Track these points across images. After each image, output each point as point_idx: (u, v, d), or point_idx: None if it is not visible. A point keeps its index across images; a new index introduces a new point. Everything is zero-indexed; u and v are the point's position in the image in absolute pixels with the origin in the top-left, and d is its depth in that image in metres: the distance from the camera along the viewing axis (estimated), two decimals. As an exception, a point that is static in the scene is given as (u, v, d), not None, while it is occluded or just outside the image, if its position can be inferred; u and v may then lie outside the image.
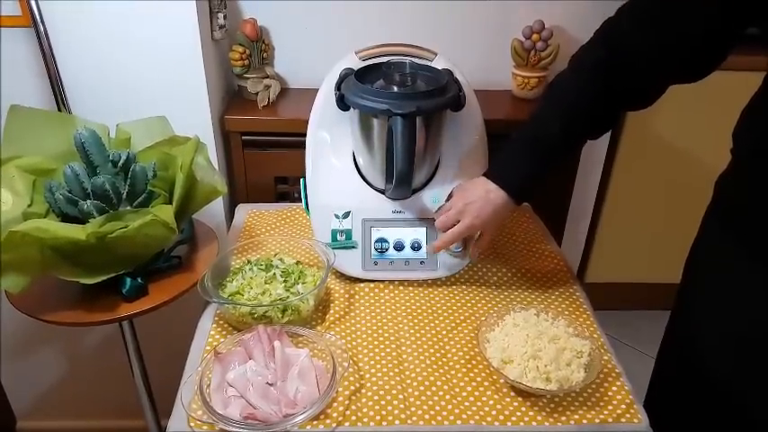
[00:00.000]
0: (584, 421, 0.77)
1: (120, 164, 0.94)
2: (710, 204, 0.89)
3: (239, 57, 1.36)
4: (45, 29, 1.11)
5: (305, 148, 1.05)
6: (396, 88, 0.95)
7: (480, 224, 0.91)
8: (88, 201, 0.90)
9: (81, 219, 0.91)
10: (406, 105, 0.88)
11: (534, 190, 0.92)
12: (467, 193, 0.92)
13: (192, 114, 1.25)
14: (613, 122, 0.90)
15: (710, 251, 0.86)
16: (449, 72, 1.00)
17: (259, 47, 1.39)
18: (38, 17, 1.09)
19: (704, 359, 0.84)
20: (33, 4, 1.08)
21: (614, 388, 0.82)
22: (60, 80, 1.16)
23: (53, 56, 1.14)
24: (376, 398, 0.80)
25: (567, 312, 0.96)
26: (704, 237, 0.89)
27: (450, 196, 0.97)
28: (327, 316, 0.95)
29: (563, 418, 0.78)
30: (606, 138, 1.69)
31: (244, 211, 1.24)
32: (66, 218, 0.93)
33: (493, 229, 0.94)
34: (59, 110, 1.17)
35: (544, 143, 0.88)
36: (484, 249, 0.98)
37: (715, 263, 0.84)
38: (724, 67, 1.73)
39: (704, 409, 0.86)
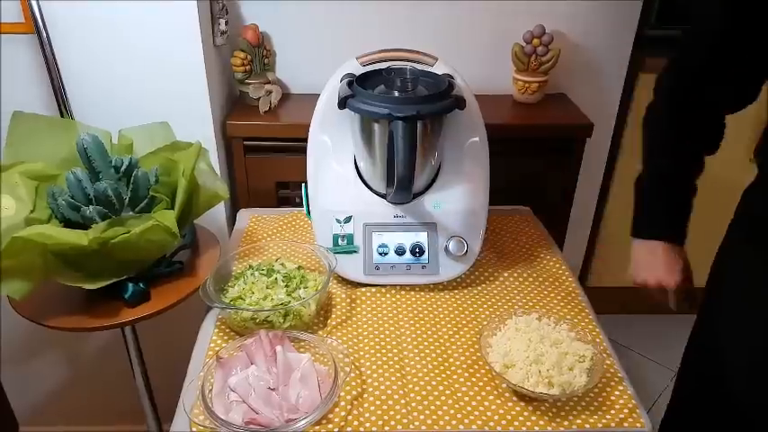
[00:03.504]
0: (587, 426, 0.77)
1: (122, 169, 0.95)
2: (735, 217, 0.89)
3: (241, 62, 1.37)
4: (48, 35, 1.11)
5: (306, 153, 1.06)
6: (396, 93, 0.96)
7: (671, 279, 0.91)
8: (91, 206, 0.91)
9: (83, 224, 0.91)
10: (406, 109, 0.88)
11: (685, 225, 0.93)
12: (643, 268, 0.94)
13: (194, 120, 1.25)
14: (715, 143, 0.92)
15: (736, 264, 0.86)
16: (449, 77, 1.00)
17: (260, 52, 1.40)
18: (40, 24, 1.10)
19: (725, 372, 0.84)
20: (36, 10, 1.08)
21: (617, 392, 0.82)
22: (63, 86, 1.16)
23: (56, 62, 1.14)
24: (378, 402, 0.80)
25: (569, 317, 0.96)
26: (729, 250, 0.89)
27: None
28: (329, 321, 0.95)
29: (565, 423, 0.78)
30: (608, 142, 1.70)
31: (245, 217, 1.24)
32: (68, 223, 0.93)
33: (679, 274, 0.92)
34: (62, 116, 1.18)
35: (665, 184, 0.91)
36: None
37: (740, 275, 0.84)
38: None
39: (724, 424, 0.86)
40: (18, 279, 0.86)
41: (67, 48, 1.16)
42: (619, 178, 1.78)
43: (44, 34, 1.11)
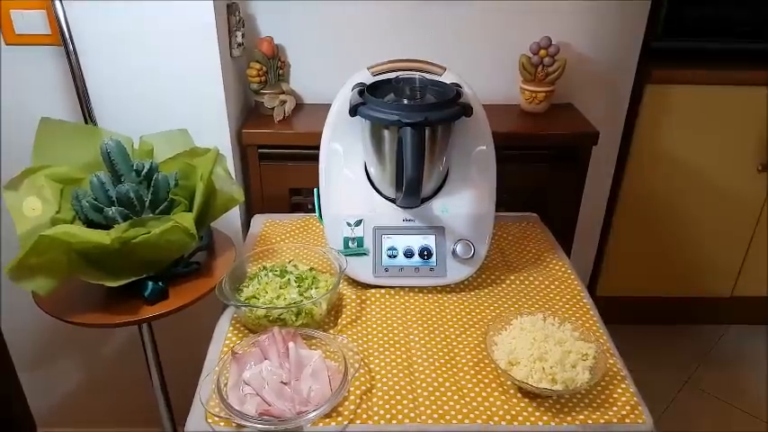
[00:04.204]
0: (590, 421, 0.79)
1: (143, 173, 0.99)
2: None
3: (256, 73, 1.42)
4: (74, 47, 1.16)
5: (319, 160, 1.10)
6: (406, 101, 1.00)
7: None
8: (113, 207, 0.95)
9: (106, 225, 0.95)
10: (415, 116, 0.92)
11: None
12: None
13: (212, 128, 1.30)
14: None
15: None
16: (456, 86, 1.03)
17: (275, 64, 1.45)
18: (67, 36, 1.15)
19: None
20: (63, 24, 1.14)
21: (619, 390, 0.84)
22: (87, 95, 1.22)
23: (81, 72, 1.19)
24: (386, 397, 0.83)
25: (574, 318, 0.98)
26: None
27: None
28: (340, 320, 0.98)
29: (568, 419, 0.80)
30: (615, 152, 1.72)
31: (260, 221, 1.28)
32: (91, 224, 0.97)
33: None
34: (86, 123, 1.23)
35: None
36: None
37: None
38: (734, 82, 1.76)
39: None
40: (43, 276, 0.90)
41: (92, 59, 1.21)
42: (627, 188, 1.80)
43: (71, 46, 1.16)
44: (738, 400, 1.80)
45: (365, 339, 0.94)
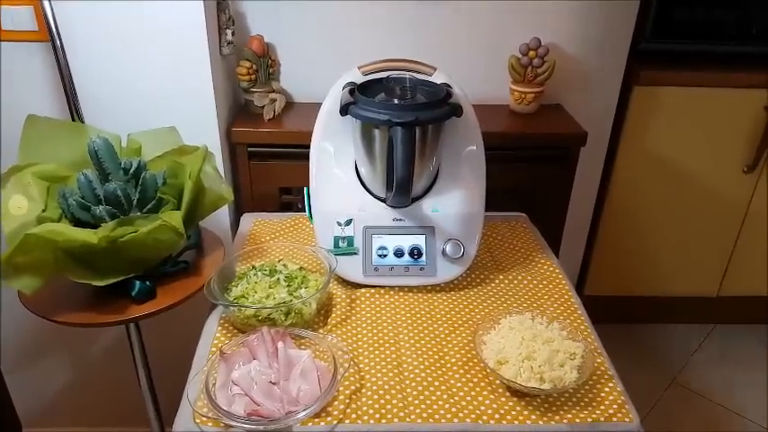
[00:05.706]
0: (577, 420, 0.80)
1: (131, 171, 0.98)
2: None
3: (246, 72, 1.41)
4: (62, 44, 1.15)
5: (309, 159, 1.09)
6: (396, 101, 1.00)
7: None
8: (100, 206, 0.94)
9: (93, 224, 0.95)
10: (405, 115, 0.92)
11: None
12: None
13: (201, 126, 1.29)
14: None
15: None
16: (447, 86, 1.04)
17: (265, 62, 1.44)
18: (55, 33, 1.14)
19: None
20: (51, 20, 1.13)
21: (607, 389, 0.85)
22: (75, 92, 1.20)
23: (69, 69, 1.18)
24: (376, 397, 0.83)
25: (562, 317, 0.99)
26: None
27: None
28: (329, 319, 0.98)
29: (556, 417, 0.80)
30: (603, 153, 1.73)
31: (249, 220, 1.27)
32: (78, 223, 0.96)
33: None
34: (74, 120, 1.21)
35: None
36: None
37: None
38: (721, 84, 1.78)
39: None
40: (29, 275, 0.89)
41: (80, 55, 1.20)
42: (615, 189, 1.81)
43: (58, 43, 1.15)
44: (724, 398, 1.82)
45: (355, 339, 0.94)
